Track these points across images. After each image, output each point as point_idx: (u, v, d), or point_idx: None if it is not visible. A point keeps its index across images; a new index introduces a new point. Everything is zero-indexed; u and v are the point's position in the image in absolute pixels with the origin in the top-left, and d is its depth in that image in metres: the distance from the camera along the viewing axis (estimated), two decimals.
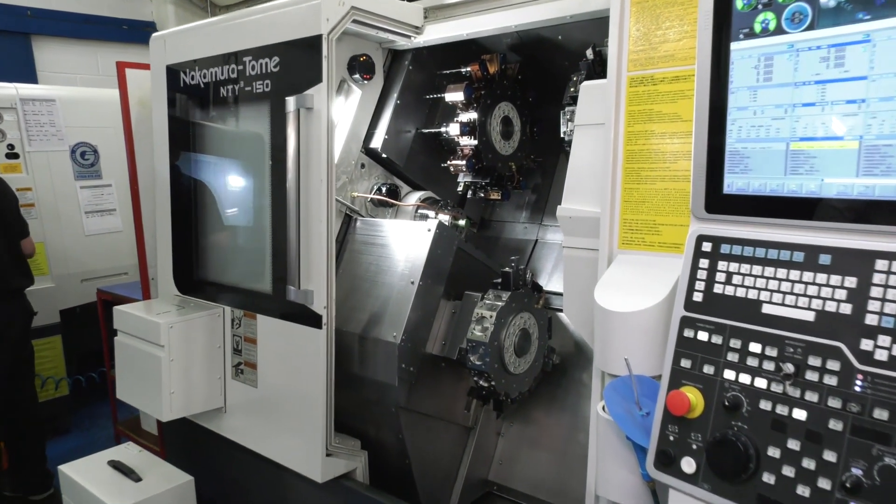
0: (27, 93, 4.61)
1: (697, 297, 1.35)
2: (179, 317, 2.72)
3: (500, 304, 2.46)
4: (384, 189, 2.79)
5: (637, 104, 1.70)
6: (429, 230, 2.52)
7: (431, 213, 2.96)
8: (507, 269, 2.52)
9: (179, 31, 2.96)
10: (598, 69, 2.60)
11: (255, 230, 2.66)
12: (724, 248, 1.30)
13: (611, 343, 1.55)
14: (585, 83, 1.93)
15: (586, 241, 1.87)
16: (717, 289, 1.29)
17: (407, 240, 2.60)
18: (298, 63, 2.35)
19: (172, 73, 2.95)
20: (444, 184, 3.16)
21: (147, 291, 3.56)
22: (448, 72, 2.82)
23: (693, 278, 1.36)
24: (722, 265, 1.29)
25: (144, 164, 3.21)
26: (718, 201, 1.31)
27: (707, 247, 1.35)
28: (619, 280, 1.63)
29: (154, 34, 3.08)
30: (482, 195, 3.13)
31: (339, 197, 2.60)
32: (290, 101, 2.28)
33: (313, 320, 2.34)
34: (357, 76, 2.64)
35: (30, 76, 6.12)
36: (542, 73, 3.12)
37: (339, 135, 2.78)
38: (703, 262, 1.35)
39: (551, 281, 3.18)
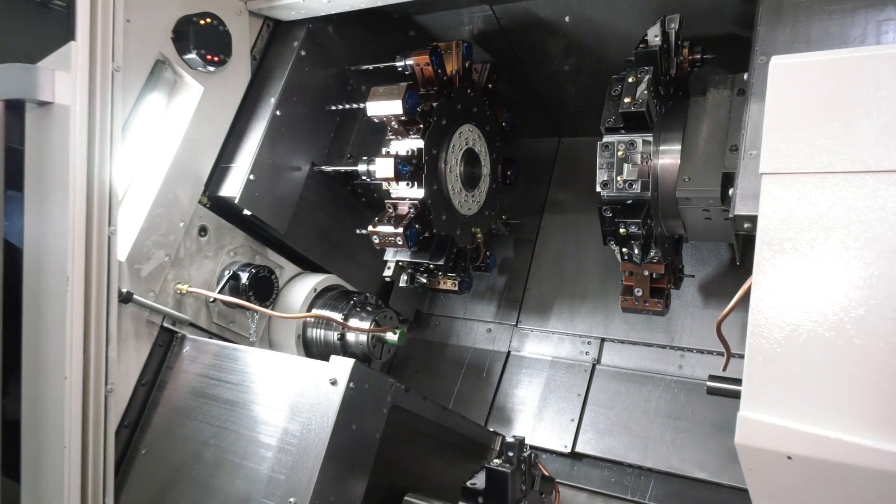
0: None
1: None
2: None
3: None
4: (246, 276, 1.40)
5: None
6: (333, 382, 1.15)
7: (338, 316, 1.58)
8: (500, 464, 1.19)
9: None
10: (664, 67, 1.38)
11: None
12: None
13: None
14: (797, 57, 0.67)
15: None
16: None
17: (287, 398, 1.21)
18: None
19: None
20: (358, 261, 1.81)
21: None
22: (372, 66, 1.49)
23: None
24: None
25: None
26: None
27: None
28: None
29: None
30: (424, 282, 1.81)
31: (146, 296, 1.20)
32: None
33: None
34: (193, 56, 1.26)
35: None
36: (523, 83, 1.89)
37: (154, 168, 1.37)
38: None
39: (538, 429, 1.87)
